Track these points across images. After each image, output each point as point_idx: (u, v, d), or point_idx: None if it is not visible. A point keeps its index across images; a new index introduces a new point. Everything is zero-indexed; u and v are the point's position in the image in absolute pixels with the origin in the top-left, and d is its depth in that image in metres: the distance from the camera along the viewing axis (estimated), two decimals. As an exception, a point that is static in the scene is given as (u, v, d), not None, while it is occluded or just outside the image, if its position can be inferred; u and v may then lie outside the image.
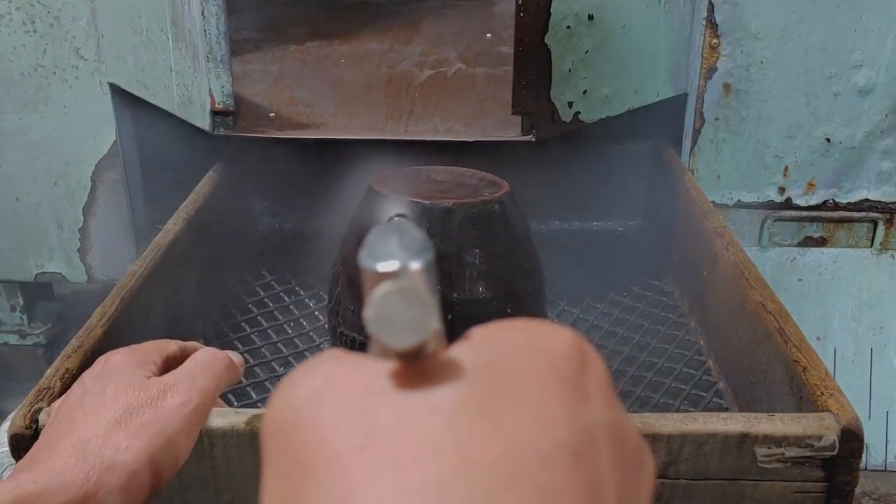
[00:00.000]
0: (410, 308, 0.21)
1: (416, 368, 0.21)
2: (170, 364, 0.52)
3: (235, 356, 0.53)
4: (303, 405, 0.21)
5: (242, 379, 0.82)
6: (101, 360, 0.50)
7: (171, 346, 0.53)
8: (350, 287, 0.70)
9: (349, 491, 0.19)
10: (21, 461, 0.46)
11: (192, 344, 0.56)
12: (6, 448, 0.56)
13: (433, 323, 0.21)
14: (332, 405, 0.21)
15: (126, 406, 0.45)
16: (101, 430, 0.44)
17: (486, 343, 0.22)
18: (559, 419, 0.20)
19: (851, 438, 0.52)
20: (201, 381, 0.47)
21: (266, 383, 0.82)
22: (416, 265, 0.22)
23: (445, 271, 0.67)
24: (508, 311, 0.68)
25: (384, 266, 0.22)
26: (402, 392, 0.20)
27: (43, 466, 0.42)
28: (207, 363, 0.49)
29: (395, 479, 0.18)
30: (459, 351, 0.21)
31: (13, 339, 1.28)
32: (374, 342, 0.22)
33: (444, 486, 0.18)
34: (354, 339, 0.70)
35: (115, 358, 0.49)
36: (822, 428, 0.52)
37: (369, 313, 0.21)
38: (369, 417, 0.20)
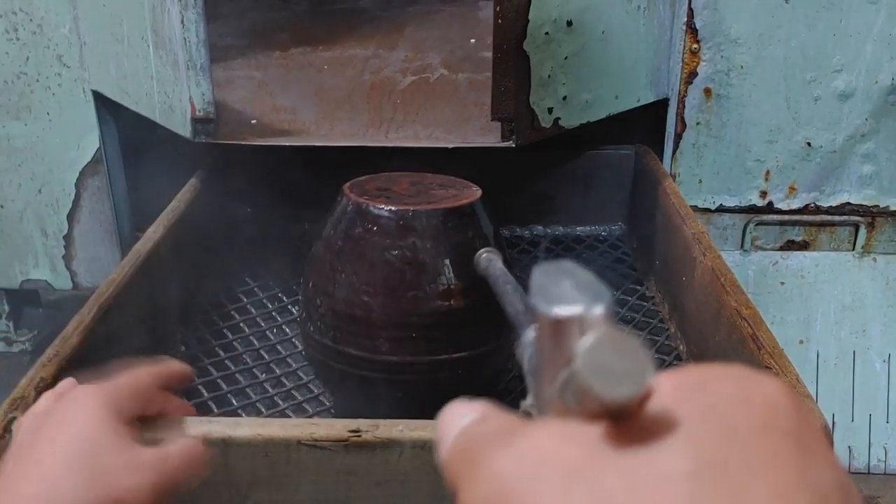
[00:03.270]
0: (626, 356, 0.19)
1: (631, 425, 0.20)
2: (145, 401, 0.51)
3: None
4: (516, 478, 0.20)
5: (223, 385, 0.83)
6: (76, 395, 0.49)
7: (147, 379, 0.52)
8: (320, 292, 0.71)
9: None
10: None
11: (171, 367, 0.56)
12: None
13: (650, 371, 0.19)
14: (552, 477, 0.20)
15: (106, 466, 0.44)
16: (71, 483, 0.43)
17: (695, 393, 0.21)
18: (795, 482, 0.19)
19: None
20: (182, 471, 0.47)
21: (248, 389, 0.82)
22: (598, 309, 0.21)
23: (415, 279, 0.67)
24: (478, 317, 0.69)
25: (565, 310, 0.21)
26: (624, 455, 0.19)
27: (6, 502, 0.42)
28: (193, 456, 0.49)
29: None
30: (668, 402, 0.20)
31: (-1, 347, 1.28)
32: (572, 398, 0.20)
33: None
34: (324, 343, 0.70)
35: (92, 402, 0.47)
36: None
37: (580, 364, 0.19)
38: (597, 488, 0.19)
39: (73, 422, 0.46)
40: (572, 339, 0.21)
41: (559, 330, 0.21)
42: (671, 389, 0.21)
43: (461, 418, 0.24)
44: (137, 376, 0.52)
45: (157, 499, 0.45)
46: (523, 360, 0.36)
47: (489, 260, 0.66)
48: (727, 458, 0.19)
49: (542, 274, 0.23)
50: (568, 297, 0.21)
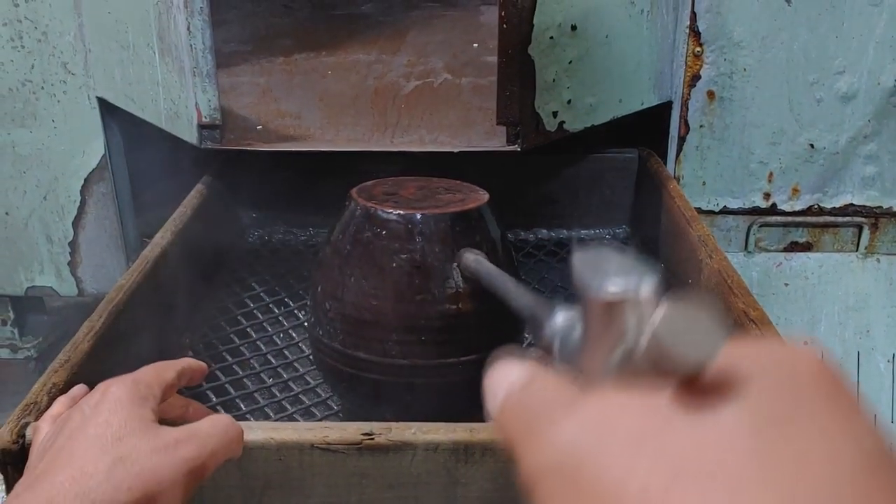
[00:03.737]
0: (700, 324, 0.20)
1: (691, 389, 0.21)
2: (168, 393, 0.52)
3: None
4: (581, 444, 0.21)
5: (231, 390, 0.83)
6: (100, 388, 0.50)
7: (169, 373, 0.53)
8: (328, 296, 0.71)
9: None
10: (18, 485, 0.46)
11: (186, 361, 0.56)
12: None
13: (723, 337, 0.20)
14: (617, 440, 0.20)
15: (133, 447, 0.45)
16: (104, 466, 0.43)
17: (746, 361, 0.22)
18: (844, 440, 0.20)
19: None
20: (214, 444, 0.47)
21: (256, 394, 0.82)
22: (649, 287, 0.22)
23: (423, 282, 0.67)
24: (486, 320, 0.69)
25: (617, 289, 0.22)
26: (688, 417, 0.20)
27: (41, 497, 0.42)
28: (224, 430, 0.49)
29: (735, 501, 0.18)
30: (723, 368, 0.21)
31: (4, 354, 1.28)
32: (637, 367, 0.21)
33: (788, 499, 0.18)
34: (334, 348, 0.71)
35: (117, 390, 0.49)
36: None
37: (658, 330, 0.20)
38: (665, 448, 0.20)
39: (102, 410, 0.47)
40: (625, 316, 0.22)
41: (612, 309, 0.22)
42: (723, 358, 0.21)
43: (511, 376, 0.25)
44: (159, 367, 0.53)
45: (192, 475, 0.45)
46: (553, 346, 0.37)
47: (477, 261, 0.66)
48: (784, 417, 0.20)
49: (584, 257, 0.24)
50: (617, 278, 0.22)
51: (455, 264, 0.67)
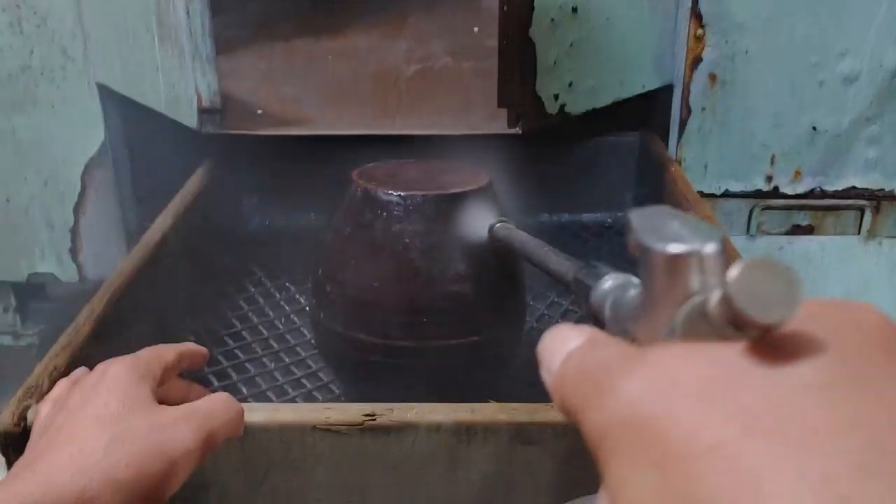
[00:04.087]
0: (779, 281, 0.20)
1: (762, 346, 0.20)
2: (168, 374, 0.52)
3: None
4: (646, 399, 0.20)
5: (233, 374, 0.83)
6: (99, 368, 0.50)
7: (169, 354, 0.53)
8: (330, 279, 0.71)
9: (756, 476, 0.18)
10: (17, 464, 0.46)
11: (187, 345, 0.56)
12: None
13: (801, 295, 0.20)
14: (687, 394, 0.20)
15: (132, 426, 0.45)
16: (102, 445, 0.43)
17: (811, 318, 0.21)
18: None
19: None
20: (213, 423, 0.47)
21: (257, 378, 0.82)
22: (715, 245, 0.22)
23: (425, 264, 0.67)
24: (488, 302, 0.69)
25: (684, 247, 0.22)
26: (756, 372, 0.20)
27: (40, 477, 0.42)
28: (224, 407, 0.49)
29: (805, 458, 0.18)
30: (795, 325, 0.21)
31: (6, 341, 1.28)
32: (709, 325, 0.21)
33: (862, 460, 0.18)
34: (335, 330, 0.71)
35: (116, 369, 0.49)
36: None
37: (733, 288, 0.20)
38: (737, 401, 0.19)
39: (101, 390, 0.47)
40: (691, 274, 0.22)
41: (678, 265, 0.21)
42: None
43: (568, 341, 0.25)
44: (159, 349, 0.53)
45: (192, 454, 0.45)
46: (603, 309, 0.37)
47: (507, 228, 0.66)
48: (857, 368, 0.20)
49: (644, 216, 0.24)
50: (683, 236, 0.22)
51: (457, 245, 0.67)
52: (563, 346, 0.25)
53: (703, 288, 0.22)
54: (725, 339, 0.21)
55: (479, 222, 0.69)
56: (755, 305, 0.20)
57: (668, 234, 0.22)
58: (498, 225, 0.66)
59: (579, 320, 0.91)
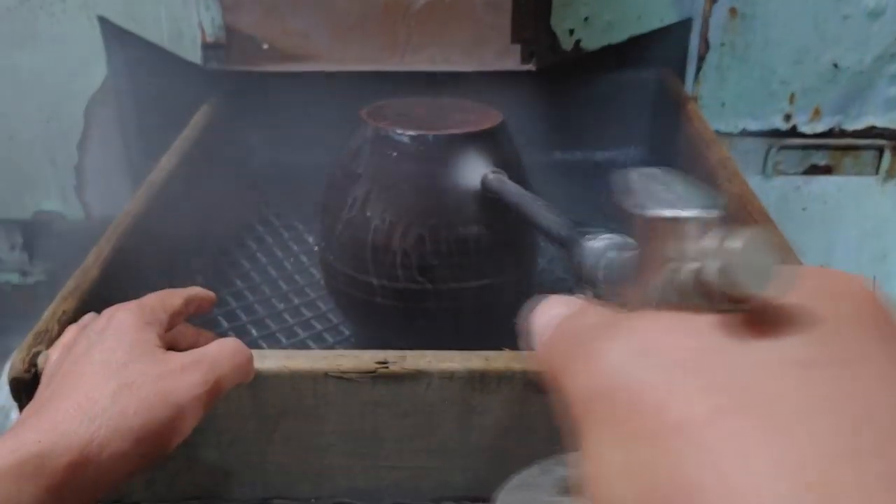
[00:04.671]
0: (763, 254, 0.19)
1: (741, 319, 0.19)
2: (175, 320, 0.52)
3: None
4: (624, 368, 0.20)
5: (242, 316, 0.82)
6: (105, 314, 0.50)
7: (176, 299, 0.52)
8: (339, 221, 0.69)
9: (723, 459, 0.17)
10: (24, 412, 0.45)
11: (194, 289, 0.55)
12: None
13: (783, 270, 0.19)
14: (661, 365, 0.19)
15: (139, 373, 0.44)
16: (110, 392, 0.43)
17: (802, 292, 0.20)
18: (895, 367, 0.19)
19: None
20: (221, 369, 0.47)
21: (267, 320, 0.82)
22: (715, 211, 0.21)
23: (436, 205, 0.66)
24: (500, 245, 0.67)
25: (682, 207, 0.21)
26: (736, 345, 0.19)
27: (46, 424, 0.42)
28: (232, 353, 0.48)
29: (777, 441, 0.17)
30: (781, 299, 0.20)
31: (14, 279, 1.28)
32: (684, 291, 0.20)
33: (843, 444, 0.17)
34: (345, 273, 0.70)
35: (122, 315, 0.48)
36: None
37: (730, 258, 0.19)
38: (712, 375, 0.18)
39: (107, 336, 0.47)
40: (685, 240, 0.21)
41: (674, 229, 0.21)
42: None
43: (557, 309, 0.24)
44: (165, 294, 0.52)
45: (200, 400, 0.45)
46: (588, 268, 0.36)
47: (500, 181, 0.64)
48: (836, 350, 0.19)
49: (643, 178, 0.23)
50: (680, 201, 0.21)
51: (469, 186, 0.65)
52: (552, 314, 0.24)
53: (703, 253, 0.21)
54: (712, 307, 0.20)
55: (491, 163, 0.67)
56: (749, 277, 0.19)
57: (668, 198, 0.22)
58: (491, 176, 0.64)
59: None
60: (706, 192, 0.22)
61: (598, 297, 0.34)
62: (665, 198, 0.21)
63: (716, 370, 0.19)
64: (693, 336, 0.20)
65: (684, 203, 0.21)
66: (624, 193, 0.22)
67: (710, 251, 0.19)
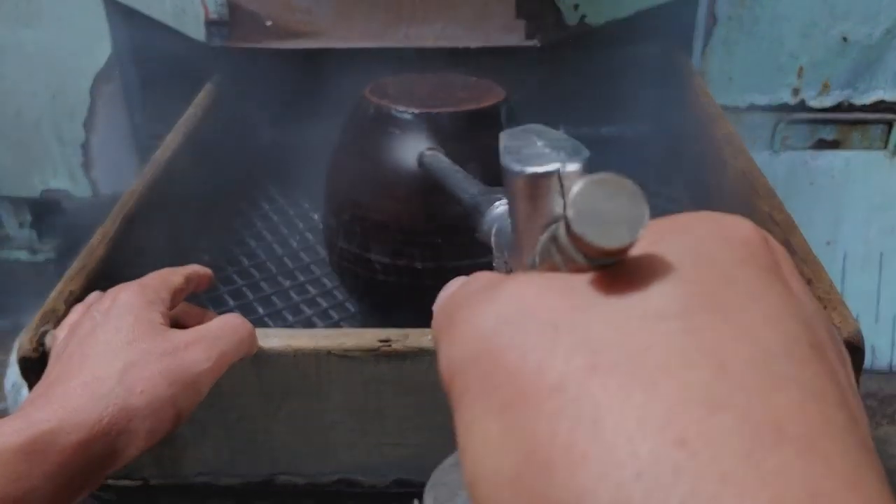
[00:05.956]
0: (619, 201, 0.17)
1: (615, 271, 0.19)
2: (176, 298, 0.52)
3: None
4: (498, 332, 0.19)
5: (249, 294, 0.83)
6: (109, 294, 0.50)
7: (177, 277, 0.53)
8: (344, 199, 0.69)
9: (596, 417, 0.16)
10: (33, 392, 0.46)
11: (192, 267, 0.56)
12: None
13: (646, 215, 0.18)
14: (535, 327, 0.18)
15: (144, 352, 0.45)
16: (116, 371, 0.44)
17: (675, 235, 0.20)
18: (784, 312, 0.18)
19: (853, 351, 0.52)
20: (224, 344, 0.47)
21: (273, 297, 0.82)
22: (576, 165, 0.20)
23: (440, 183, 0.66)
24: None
25: (542, 167, 0.19)
26: (611, 300, 0.18)
27: (56, 404, 0.42)
28: (234, 328, 0.49)
29: (649, 394, 0.16)
30: (649, 245, 0.19)
31: (24, 256, 1.29)
32: (560, 252, 0.19)
33: (709, 394, 0.16)
34: (349, 251, 0.70)
35: (125, 296, 0.49)
36: (824, 340, 0.52)
37: (572, 213, 0.17)
38: (585, 334, 0.18)
39: (112, 316, 0.47)
40: (551, 196, 0.20)
41: (537, 189, 0.20)
42: (651, 234, 0.19)
43: (457, 283, 0.23)
44: (165, 272, 0.53)
45: (204, 376, 0.46)
46: (490, 237, 0.35)
47: (434, 156, 0.63)
48: (716, 292, 0.18)
49: (511, 137, 0.22)
50: (543, 156, 0.20)
51: (473, 163, 0.65)
52: (447, 292, 0.23)
53: (562, 210, 0.20)
54: (580, 264, 0.19)
55: (496, 138, 0.67)
56: (597, 229, 0.17)
57: (530, 155, 0.20)
58: (428, 153, 0.64)
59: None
60: (572, 144, 0.21)
61: (508, 265, 0.32)
62: (531, 152, 0.20)
63: (591, 327, 0.18)
64: (568, 295, 0.19)
65: (550, 156, 0.20)
66: (500, 153, 0.21)
67: (567, 203, 0.18)
